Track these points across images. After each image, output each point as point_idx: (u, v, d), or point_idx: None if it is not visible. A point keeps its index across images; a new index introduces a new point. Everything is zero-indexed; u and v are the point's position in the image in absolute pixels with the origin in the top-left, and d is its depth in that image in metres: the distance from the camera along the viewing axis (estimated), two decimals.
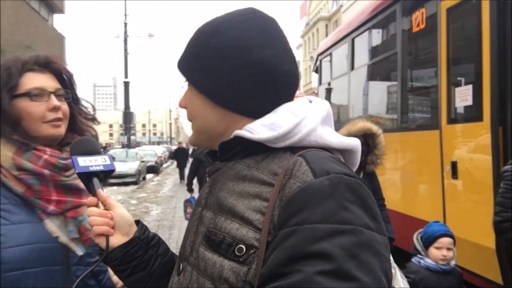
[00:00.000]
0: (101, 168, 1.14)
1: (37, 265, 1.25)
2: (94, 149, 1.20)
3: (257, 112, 0.93)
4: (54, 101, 1.34)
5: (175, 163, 22.75)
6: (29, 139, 1.32)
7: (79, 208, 1.32)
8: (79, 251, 1.32)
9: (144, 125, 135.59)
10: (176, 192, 15.88)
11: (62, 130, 1.36)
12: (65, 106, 1.38)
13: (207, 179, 1.02)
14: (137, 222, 1.11)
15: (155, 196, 15.01)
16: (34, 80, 1.35)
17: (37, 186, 1.28)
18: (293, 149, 0.89)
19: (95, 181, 1.12)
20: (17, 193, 1.28)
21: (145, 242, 1.08)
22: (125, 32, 19.62)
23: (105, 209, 1.08)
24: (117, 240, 1.05)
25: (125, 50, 19.43)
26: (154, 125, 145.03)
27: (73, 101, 1.45)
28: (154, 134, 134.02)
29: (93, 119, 1.51)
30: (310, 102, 0.97)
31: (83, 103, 1.51)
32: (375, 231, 0.78)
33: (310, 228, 0.75)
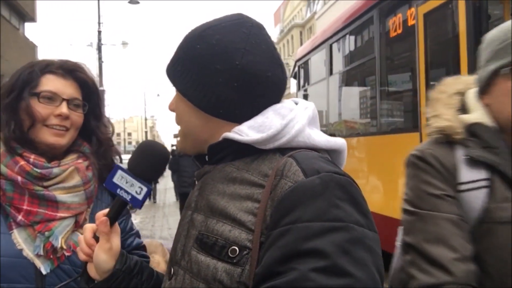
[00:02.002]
0: (127, 199, 0.99)
1: (8, 280, 1.18)
2: (153, 172, 1.02)
3: (240, 117, 0.94)
4: (63, 108, 1.29)
5: None
6: (25, 143, 1.27)
7: (50, 222, 1.23)
8: (44, 269, 1.21)
9: (119, 134, 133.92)
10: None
11: (63, 140, 1.30)
12: (76, 117, 1.33)
13: (196, 183, 1.02)
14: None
15: None
16: (52, 83, 1.31)
17: (9, 193, 1.23)
18: (282, 150, 0.90)
19: (117, 206, 1.00)
20: None
21: (127, 272, 1.06)
22: (99, 40, 19.34)
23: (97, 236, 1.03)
24: (92, 272, 1.03)
25: (100, 58, 19.13)
26: (129, 134, 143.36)
27: (94, 115, 1.40)
28: (129, 143, 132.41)
29: (109, 139, 1.45)
30: (296, 104, 0.99)
31: (105, 121, 1.45)
32: (366, 227, 0.79)
33: (302, 226, 0.76)
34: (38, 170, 1.24)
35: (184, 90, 0.96)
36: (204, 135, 0.98)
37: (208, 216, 0.91)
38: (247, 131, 0.91)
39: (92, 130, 1.40)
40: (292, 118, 0.91)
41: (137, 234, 1.45)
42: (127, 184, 0.98)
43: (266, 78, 0.93)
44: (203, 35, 0.94)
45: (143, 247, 1.42)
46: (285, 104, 0.97)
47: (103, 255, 1.02)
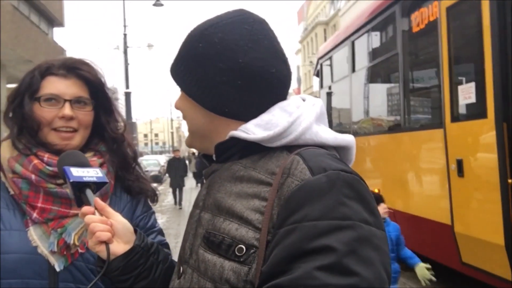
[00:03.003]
0: (94, 179, 1.12)
1: (22, 276, 1.20)
2: (85, 161, 1.18)
3: (245, 115, 0.93)
4: (66, 110, 1.28)
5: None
6: (38, 145, 1.28)
7: (64, 219, 1.25)
8: (57, 266, 1.23)
9: (146, 135, 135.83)
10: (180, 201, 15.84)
11: (73, 142, 1.30)
12: (83, 115, 1.31)
13: (204, 181, 1.03)
14: (134, 231, 1.10)
15: (159, 205, 14.98)
16: (53, 86, 1.29)
17: (25, 191, 1.25)
18: (289, 147, 0.90)
19: (89, 192, 1.10)
20: (12, 195, 1.26)
21: (145, 249, 1.07)
22: (125, 43, 19.65)
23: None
24: (119, 248, 1.03)
25: (126, 61, 19.44)
26: (156, 135, 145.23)
27: (103, 110, 1.39)
28: (156, 143, 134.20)
29: (121, 135, 1.42)
30: (304, 100, 0.97)
31: (116, 116, 1.43)
32: (373, 225, 0.78)
33: (309, 225, 0.76)
34: (50, 168, 1.25)
35: (188, 90, 0.97)
36: (210, 134, 0.98)
37: (215, 215, 0.91)
38: (254, 129, 0.91)
39: (103, 127, 1.39)
40: (299, 115, 0.90)
41: (160, 232, 1.43)
42: (84, 173, 1.13)
43: (271, 75, 0.92)
44: (205, 34, 0.94)
45: (165, 245, 1.38)
46: (292, 101, 0.96)
47: (120, 218, 1.06)
